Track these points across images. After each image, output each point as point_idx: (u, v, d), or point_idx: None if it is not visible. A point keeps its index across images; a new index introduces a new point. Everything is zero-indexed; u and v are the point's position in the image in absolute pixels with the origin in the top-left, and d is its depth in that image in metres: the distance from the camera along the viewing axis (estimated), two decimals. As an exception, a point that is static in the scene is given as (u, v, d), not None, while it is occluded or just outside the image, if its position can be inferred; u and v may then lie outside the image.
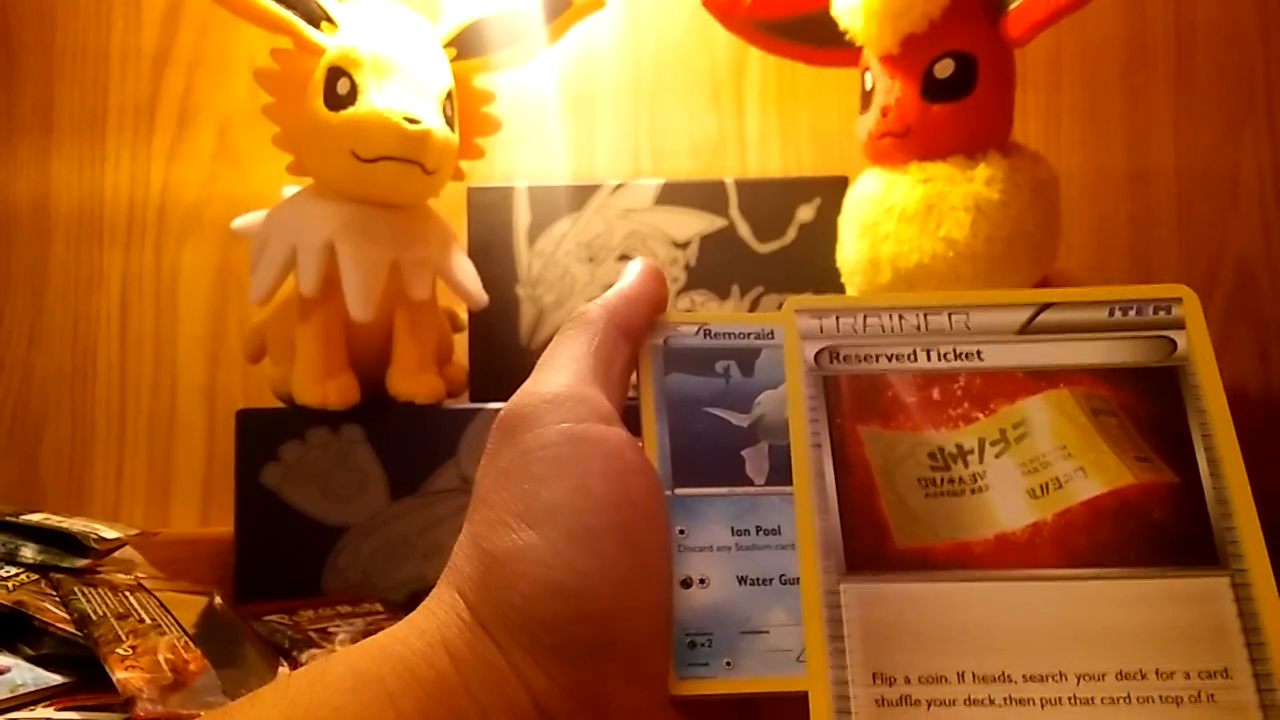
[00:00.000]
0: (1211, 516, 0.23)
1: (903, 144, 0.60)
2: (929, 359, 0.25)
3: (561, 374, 0.26)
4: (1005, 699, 0.21)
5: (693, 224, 0.73)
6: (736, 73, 0.84)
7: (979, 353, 0.25)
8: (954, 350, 0.25)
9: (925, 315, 0.26)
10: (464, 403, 0.71)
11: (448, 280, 0.65)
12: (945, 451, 0.24)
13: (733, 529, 0.26)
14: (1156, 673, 0.21)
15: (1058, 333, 0.25)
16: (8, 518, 0.54)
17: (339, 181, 0.61)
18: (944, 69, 0.59)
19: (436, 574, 0.25)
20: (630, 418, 0.26)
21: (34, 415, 0.82)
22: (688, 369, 0.28)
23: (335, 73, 0.60)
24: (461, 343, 0.73)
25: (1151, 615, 0.22)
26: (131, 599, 0.49)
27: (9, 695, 0.41)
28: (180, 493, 0.81)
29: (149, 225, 0.83)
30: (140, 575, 0.54)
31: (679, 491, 0.26)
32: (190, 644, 0.45)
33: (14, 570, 0.50)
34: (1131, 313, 0.25)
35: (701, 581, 0.25)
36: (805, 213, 0.72)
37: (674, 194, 0.73)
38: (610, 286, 0.28)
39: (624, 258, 0.72)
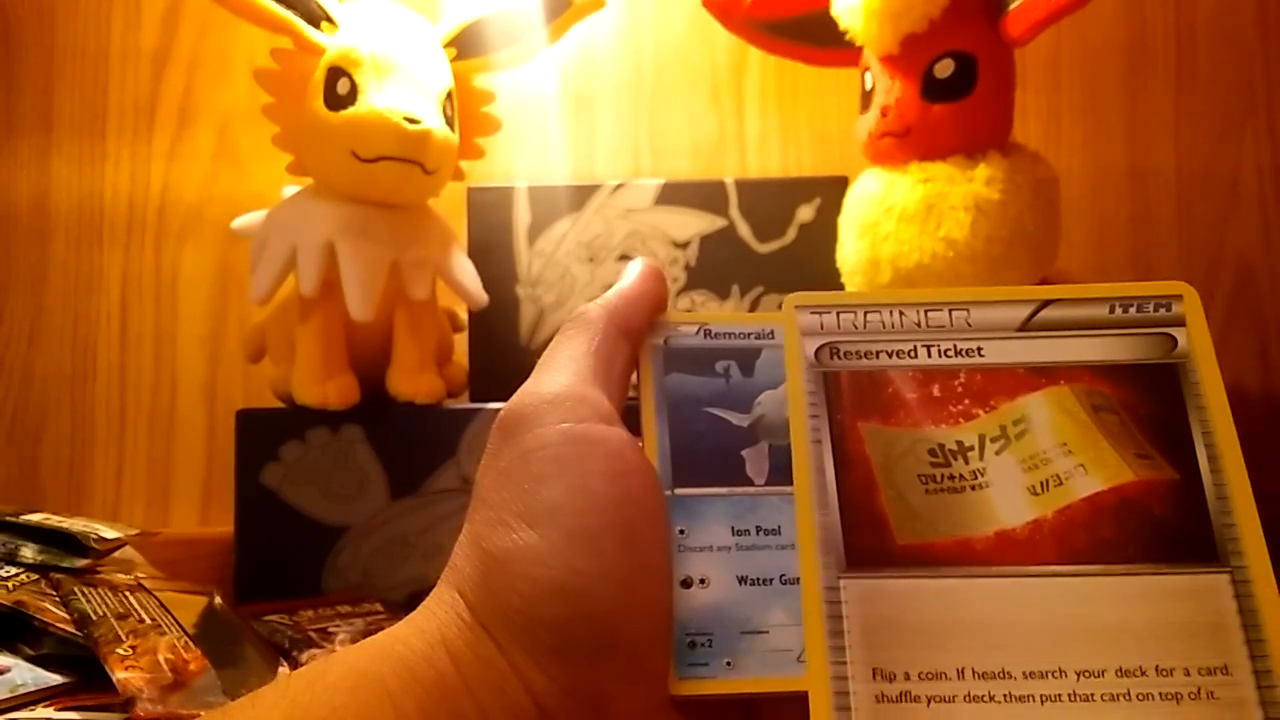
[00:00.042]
0: (1211, 513, 0.23)
1: (903, 144, 0.60)
2: (929, 355, 0.25)
3: (562, 374, 0.26)
4: (1005, 695, 0.21)
5: (693, 224, 0.73)
6: (736, 73, 0.84)
7: (979, 349, 0.25)
8: (954, 347, 0.25)
9: (926, 312, 0.26)
10: (464, 403, 0.71)
11: (448, 280, 0.65)
12: (945, 448, 0.24)
13: (733, 529, 0.26)
14: (1156, 669, 0.21)
15: (1058, 329, 0.25)
16: (8, 518, 0.54)
17: (339, 181, 0.61)
18: (944, 69, 0.59)
19: (436, 574, 0.25)
20: (630, 418, 0.26)
21: (34, 415, 0.82)
22: (688, 369, 0.28)
23: (335, 73, 0.60)
24: (461, 343, 0.73)
25: (1152, 612, 0.22)
26: (131, 599, 0.49)
27: (9, 695, 0.41)
28: (180, 493, 0.81)
29: (149, 225, 0.83)
30: (140, 575, 0.54)
31: (679, 491, 0.26)
32: (190, 644, 0.45)
33: (14, 570, 0.50)
34: (1132, 310, 0.25)
35: (702, 581, 0.25)
36: (805, 213, 0.72)
37: (674, 194, 0.73)
38: (610, 286, 0.28)
39: (624, 258, 0.72)
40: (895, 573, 0.22)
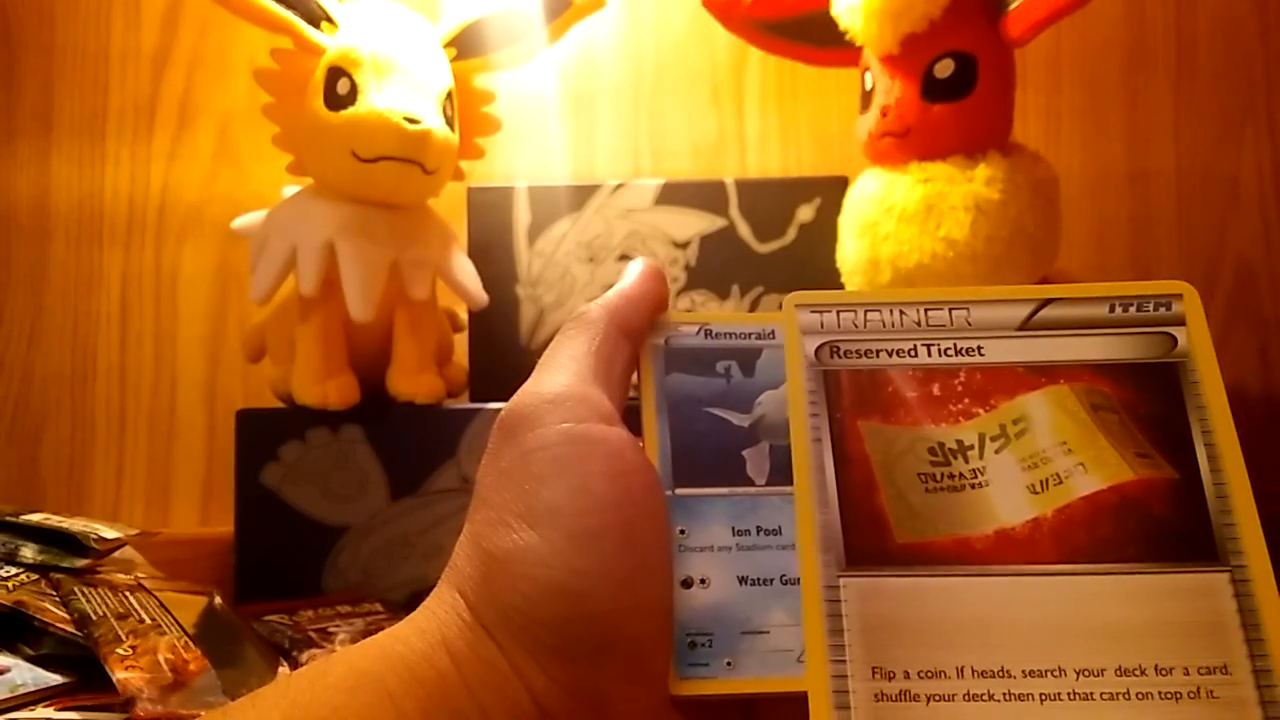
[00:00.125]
0: (1211, 512, 0.23)
1: (903, 144, 0.60)
2: (929, 354, 0.25)
3: (562, 374, 0.26)
4: (1004, 694, 0.21)
5: (693, 224, 0.73)
6: (736, 73, 0.84)
7: (979, 348, 0.25)
8: (954, 346, 0.25)
9: (926, 311, 0.26)
10: (464, 403, 0.71)
11: (448, 280, 0.65)
12: (945, 447, 0.24)
13: (733, 529, 0.26)
14: (1156, 668, 0.21)
15: (1058, 329, 0.25)
16: (8, 518, 0.54)
17: (339, 181, 0.61)
18: (944, 69, 0.59)
19: (436, 574, 0.25)
20: (631, 418, 0.26)
21: (34, 415, 0.81)
22: (688, 369, 0.28)
23: (335, 73, 0.60)
24: (461, 343, 0.73)
25: (1151, 611, 0.22)
26: (131, 599, 0.49)
27: (9, 695, 0.41)
28: (180, 493, 0.81)
29: (149, 225, 0.83)
30: (140, 575, 0.54)
31: (679, 491, 0.26)
32: (190, 644, 0.45)
33: (14, 570, 0.50)
34: (1132, 309, 0.25)
35: (702, 582, 0.25)
36: (805, 213, 0.72)
37: (674, 194, 0.73)
38: (610, 286, 0.28)
39: (624, 258, 0.72)
40: (895, 571, 0.22)
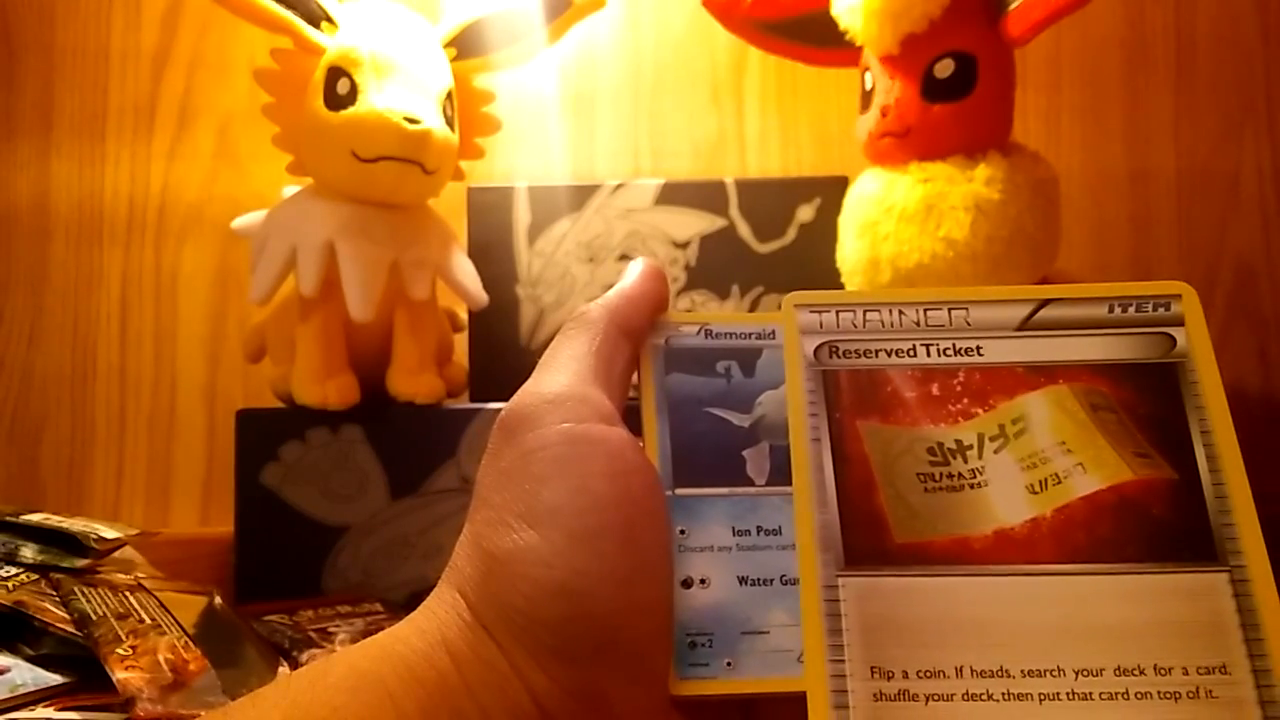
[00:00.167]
0: (1210, 513, 0.23)
1: (903, 144, 0.60)
2: (928, 354, 0.25)
3: (562, 374, 0.26)
4: (1003, 694, 0.21)
5: (693, 224, 0.73)
6: (736, 73, 0.84)
7: (978, 348, 0.25)
8: (953, 346, 0.25)
9: (925, 311, 0.26)
10: (464, 403, 0.71)
11: (448, 280, 0.65)
12: (944, 447, 0.24)
13: (733, 529, 0.26)
14: (1155, 668, 0.21)
15: (1057, 329, 0.25)
16: (8, 518, 0.54)
17: (339, 181, 0.61)
18: (944, 69, 0.59)
19: (436, 574, 0.25)
20: (631, 418, 0.26)
21: (34, 415, 0.82)
22: (689, 369, 0.28)
23: (335, 73, 0.60)
24: (461, 343, 0.73)
25: (1150, 611, 0.22)
26: (131, 599, 0.49)
27: (9, 695, 0.41)
28: (180, 493, 0.81)
29: (149, 225, 0.83)
30: (140, 575, 0.54)
31: (680, 492, 0.26)
32: (190, 644, 0.45)
33: (14, 570, 0.50)
34: (1131, 309, 0.25)
35: (702, 582, 0.25)
36: (805, 213, 0.72)
37: (674, 194, 0.73)
38: (610, 286, 0.28)
39: (624, 258, 0.72)
40: (894, 571, 0.22)
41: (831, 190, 0.71)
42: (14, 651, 0.45)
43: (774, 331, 0.28)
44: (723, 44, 0.82)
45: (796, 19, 0.65)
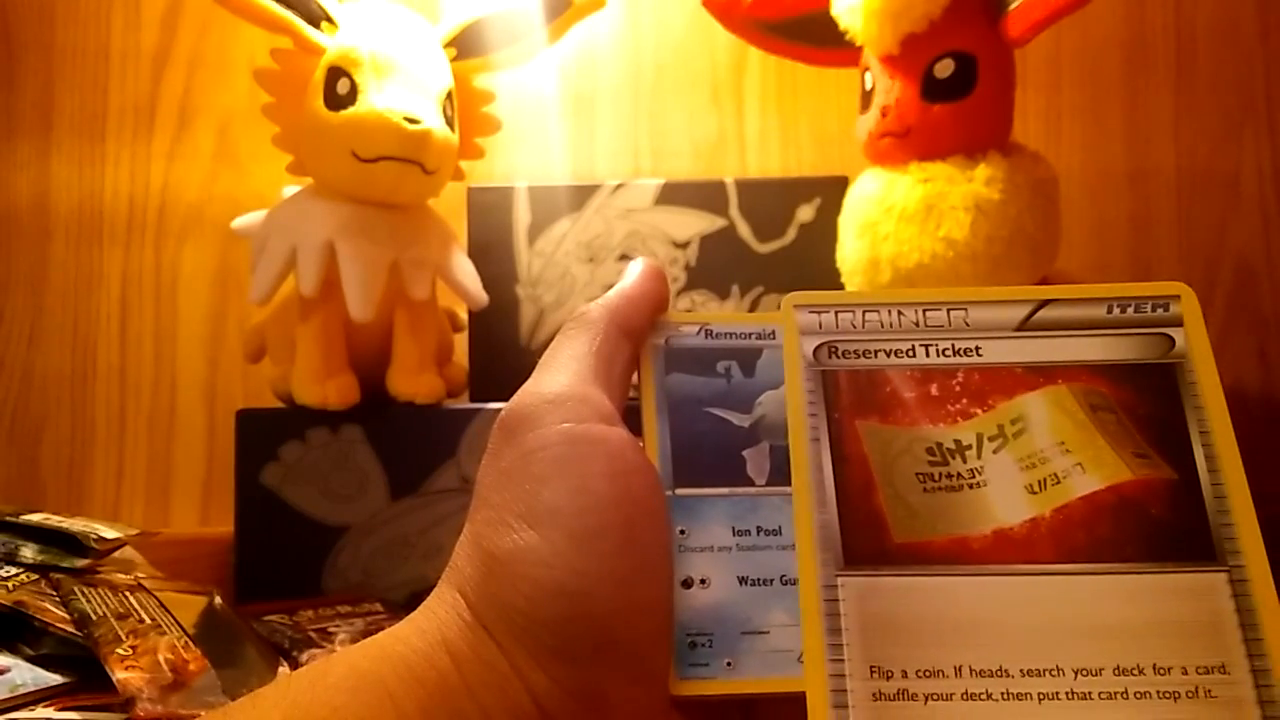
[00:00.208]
0: (1209, 513, 0.23)
1: (903, 144, 0.60)
2: (927, 355, 0.25)
3: (563, 374, 0.26)
4: (1003, 693, 0.21)
5: (693, 224, 0.73)
6: (736, 73, 0.84)
7: (977, 349, 0.25)
8: (952, 346, 0.25)
9: (924, 311, 0.26)
10: (464, 403, 0.71)
11: (448, 280, 0.65)
12: (943, 447, 0.24)
13: (734, 529, 0.26)
14: (1154, 668, 0.21)
15: (1056, 329, 0.25)
16: (8, 518, 0.54)
17: (339, 181, 0.61)
18: (944, 69, 0.59)
19: (436, 574, 0.25)
20: (631, 418, 0.26)
21: (34, 415, 0.82)
22: (689, 369, 0.28)
23: (335, 73, 0.60)
24: (461, 343, 0.73)
25: (1149, 611, 0.22)
26: (131, 599, 0.49)
27: (9, 695, 0.41)
28: (180, 493, 0.81)
29: (149, 225, 0.83)
30: (140, 575, 0.54)
31: (680, 492, 0.26)
32: (190, 644, 0.45)
33: (14, 570, 0.50)
34: (1129, 310, 0.25)
35: (702, 582, 0.25)
36: (805, 213, 0.72)
37: (674, 194, 0.73)
38: (610, 286, 0.28)
39: (624, 258, 0.72)
40: (893, 571, 0.22)
41: (831, 190, 0.71)
42: (14, 651, 0.45)
43: (774, 332, 0.28)
44: (723, 44, 0.82)
45: (796, 19, 0.65)
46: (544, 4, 0.64)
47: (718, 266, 0.72)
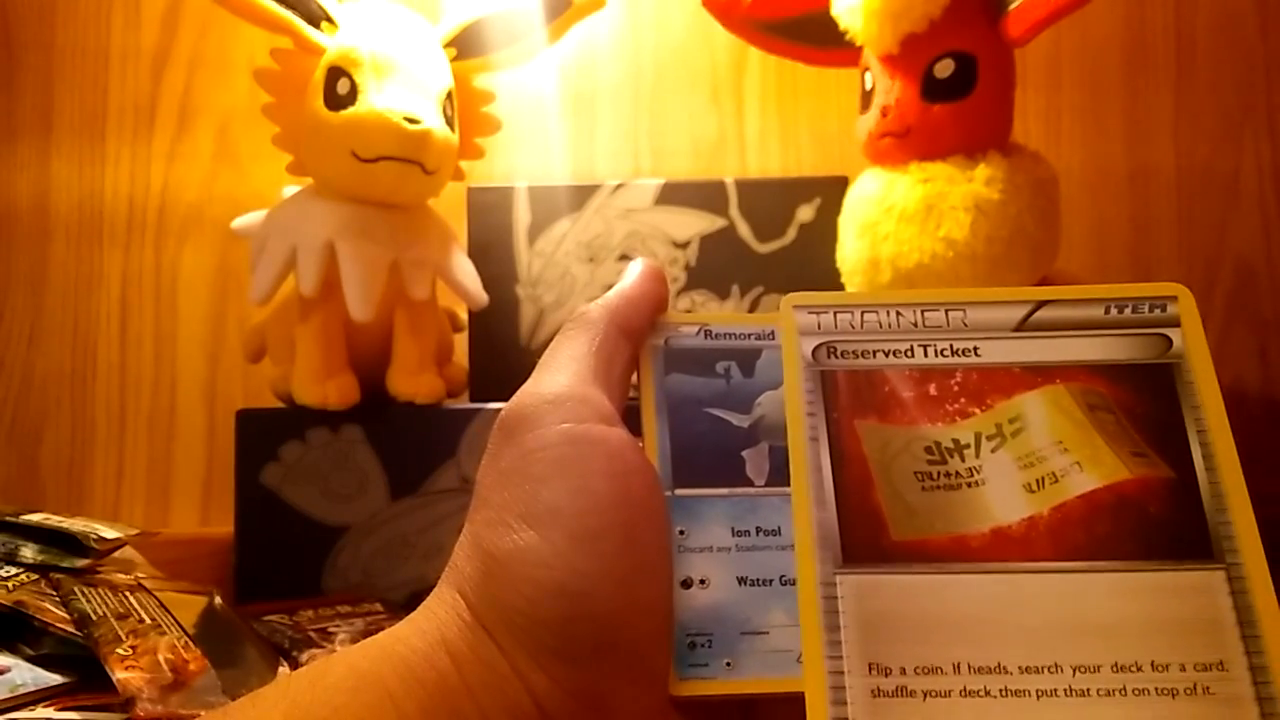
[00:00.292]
0: (1207, 511, 0.23)
1: (903, 144, 0.60)
2: (926, 355, 0.25)
3: (562, 374, 0.26)
4: (1001, 690, 0.21)
5: (693, 224, 0.73)
6: (736, 73, 0.84)
7: (975, 349, 0.25)
8: (951, 346, 0.25)
9: (922, 312, 0.26)
10: (464, 403, 0.71)
11: (448, 280, 0.65)
12: (942, 446, 0.24)
13: (733, 530, 0.26)
14: (1152, 665, 0.21)
15: (1054, 330, 0.25)
16: (8, 518, 0.54)
17: (339, 181, 0.61)
18: (944, 69, 0.59)
19: (436, 574, 0.25)
20: (631, 418, 0.26)
21: (34, 415, 0.82)
22: (688, 369, 0.28)
23: (335, 73, 0.60)
24: (461, 343, 0.73)
25: (1147, 608, 0.22)
26: (131, 599, 0.49)
27: (9, 695, 0.41)
28: (180, 493, 0.82)
29: (149, 225, 0.83)
30: (140, 575, 0.54)
31: (679, 492, 0.26)
32: (190, 644, 0.45)
33: (14, 570, 0.50)
34: (1127, 310, 0.25)
35: (702, 582, 0.25)
36: (805, 213, 0.72)
37: (674, 194, 0.73)
38: (610, 286, 0.28)
39: (624, 258, 0.72)
40: (891, 569, 0.22)
41: (831, 190, 0.71)
42: (14, 651, 0.45)
43: (773, 332, 0.28)
44: (723, 44, 0.82)
45: (796, 19, 0.65)
46: (544, 4, 0.64)
47: (718, 266, 0.72)
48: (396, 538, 0.63)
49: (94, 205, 0.83)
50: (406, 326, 0.64)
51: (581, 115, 0.84)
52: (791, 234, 0.72)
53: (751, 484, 0.26)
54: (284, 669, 0.48)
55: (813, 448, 0.24)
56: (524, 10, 0.64)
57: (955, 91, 0.59)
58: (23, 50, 0.83)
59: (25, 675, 0.43)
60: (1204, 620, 0.21)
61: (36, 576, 0.49)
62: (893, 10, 0.58)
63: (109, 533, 0.53)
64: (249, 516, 0.63)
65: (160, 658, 0.43)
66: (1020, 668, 0.21)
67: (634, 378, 0.28)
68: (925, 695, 0.21)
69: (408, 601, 0.62)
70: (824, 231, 0.68)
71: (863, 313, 0.26)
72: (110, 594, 0.48)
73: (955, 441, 0.24)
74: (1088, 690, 0.21)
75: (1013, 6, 0.58)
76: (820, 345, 0.25)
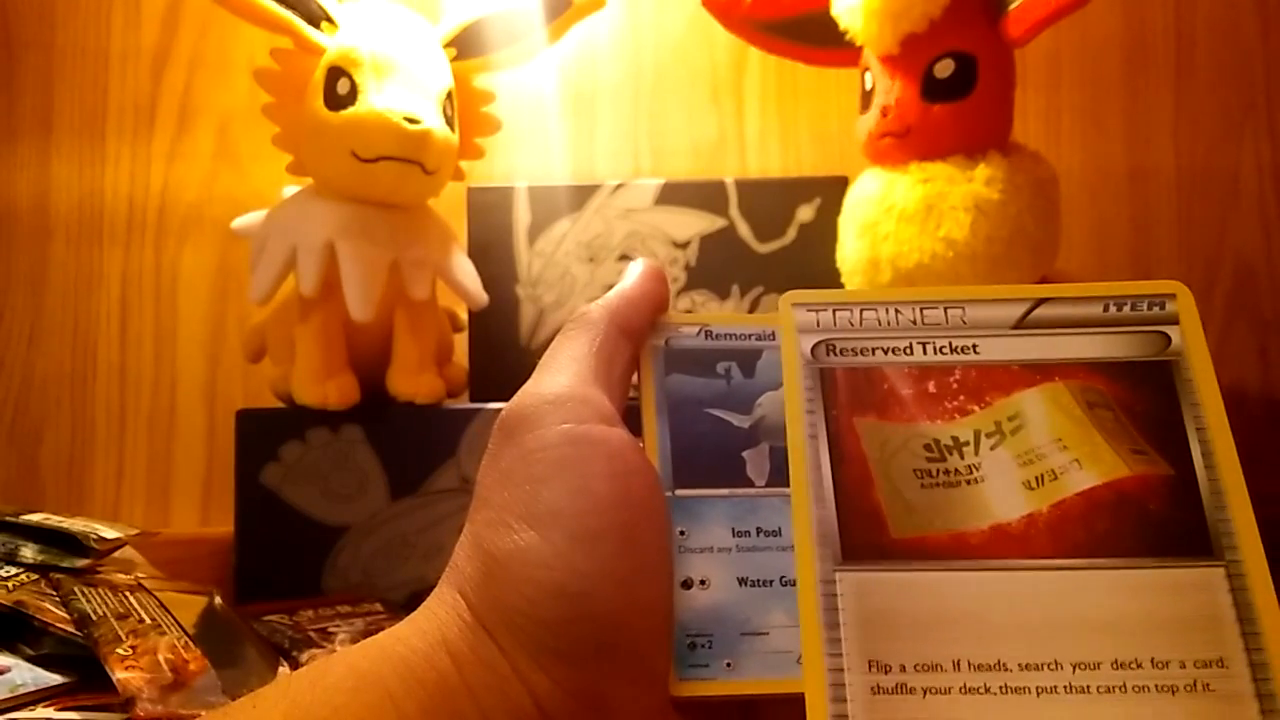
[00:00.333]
0: (1206, 508, 0.23)
1: (903, 144, 0.60)
2: (925, 353, 0.25)
3: (563, 375, 0.26)
4: (1001, 687, 0.21)
5: (693, 224, 0.73)
6: (736, 73, 0.84)
7: (975, 346, 0.25)
8: (950, 344, 0.25)
9: (921, 310, 0.26)
10: (464, 403, 0.71)
11: (448, 280, 0.65)
12: (941, 443, 0.24)
13: (733, 530, 0.26)
14: (1152, 662, 0.21)
15: (1053, 327, 0.25)
16: (8, 518, 0.54)
17: (339, 181, 0.61)
18: (944, 69, 0.59)
19: (436, 574, 0.25)
20: (631, 418, 0.26)
21: (34, 415, 0.82)
22: (689, 370, 0.28)
23: (335, 73, 0.60)
24: (461, 343, 0.73)
25: (1147, 605, 0.22)
26: (131, 599, 0.49)
27: (9, 695, 0.41)
28: (180, 493, 0.81)
29: (149, 225, 0.83)
30: (140, 575, 0.54)
31: (680, 492, 0.26)
32: (190, 644, 0.45)
33: (14, 570, 0.50)
34: (1126, 308, 0.25)
35: (702, 583, 0.25)
36: (805, 213, 0.72)
37: (674, 194, 0.73)
38: (610, 286, 0.28)
39: (624, 258, 0.72)
40: (891, 566, 0.22)
41: (831, 190, 0.71)
42: (14, 651, 0.45)
43: (774, 333, 0.28)
44: (723, 44, 0.82)
45: (796, 19, 0.65)
46: (544, 4, 0.64)
47: (718, 266, 0.72)
48: (396, 538, 0.63)
49: (94, 205, 0.82)
50: (406, 326, 0.64)
51: (581, 115, 0.84)
52: (791, 234, 0.72)
53: (752, 485, 0.26)
54: (284, 669, 0.48)
55: (812, 445, 0.24)
56: (524, 10, 0.64)
57: (955, 91, 0.59)
58: (23, 50, 0.82)
59: (25, 675, 0.43)
60: (1204, 617, 0.21)
61: (36, 576, 0.49)
62: (893, 10, 0.58)
63: (109, 533, 0.53)
64: (249, 516, 0.63)
65: (160, 658, 0.43)
66: (1020, 665, 0.21)
67: (634, 378, 0.28)
68: (925, 692, 0.21)
69: (408, 601, 0.62)
70: (824, 231, 0.68)
71: (862, 310, 0.26)
72: (110, 594, 0.48)
73: (954, 439, 0.24)
74: (1087, 687, 0.21)
75: (1013, 6, 0.58)
76: (819, 343, 0.25)
